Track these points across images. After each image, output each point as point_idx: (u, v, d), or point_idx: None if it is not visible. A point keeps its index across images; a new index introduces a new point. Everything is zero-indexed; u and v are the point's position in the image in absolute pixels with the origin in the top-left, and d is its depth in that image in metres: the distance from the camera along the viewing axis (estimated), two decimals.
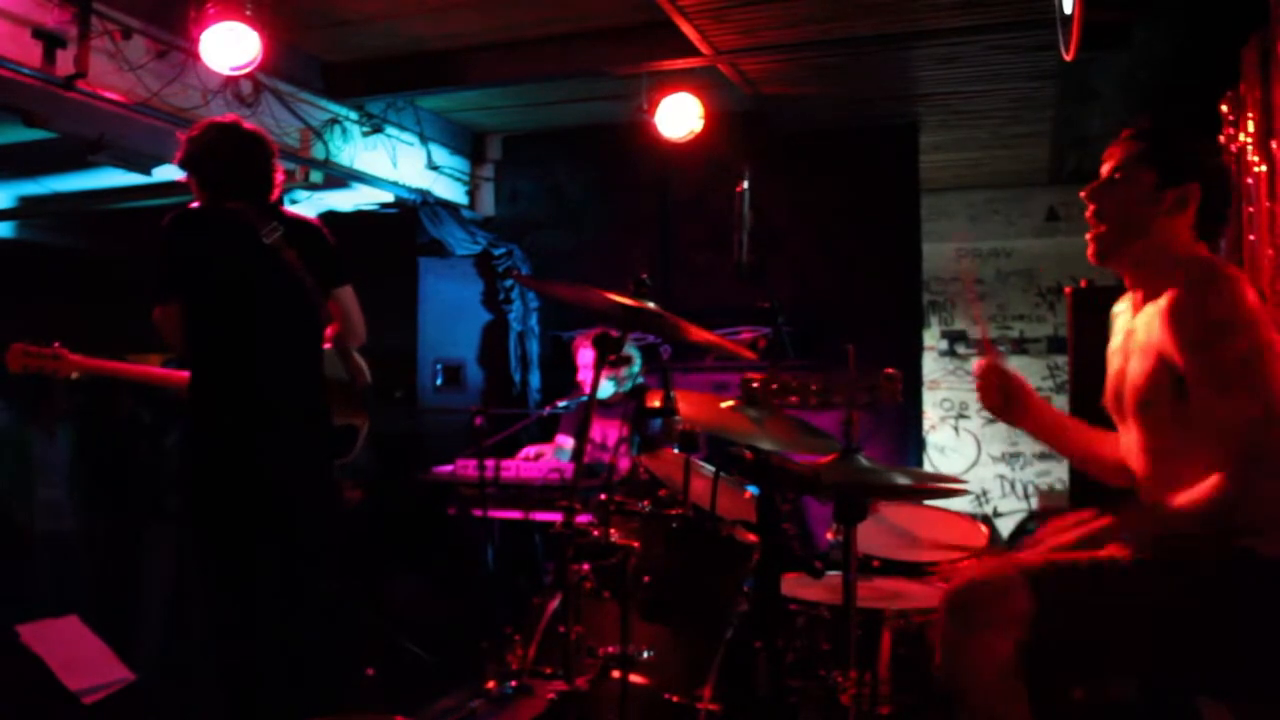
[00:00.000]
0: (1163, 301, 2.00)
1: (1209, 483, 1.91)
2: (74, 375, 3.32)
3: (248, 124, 3.08)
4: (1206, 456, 1.92)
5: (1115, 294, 2.30)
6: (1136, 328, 2.12)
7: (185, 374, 3.08)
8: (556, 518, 4.16)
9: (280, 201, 3.16)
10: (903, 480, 2.15)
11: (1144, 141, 2.11)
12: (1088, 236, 2.17)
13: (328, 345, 3.21)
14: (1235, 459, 1.87)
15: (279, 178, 3.10)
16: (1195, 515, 1.92)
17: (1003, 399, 2.32)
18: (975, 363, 2.36)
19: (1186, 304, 1.94)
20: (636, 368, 4.80)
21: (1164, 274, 2.07)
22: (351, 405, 3.30)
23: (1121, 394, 2.15)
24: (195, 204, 3.02)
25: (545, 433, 5.19)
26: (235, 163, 3.00)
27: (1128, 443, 2.19)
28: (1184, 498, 1.95)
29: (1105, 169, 2.17)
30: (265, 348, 3.00)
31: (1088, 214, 2.17)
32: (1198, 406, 1.93)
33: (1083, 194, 2.18)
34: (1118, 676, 2.05)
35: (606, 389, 4.66)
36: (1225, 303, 1.90)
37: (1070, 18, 2.84)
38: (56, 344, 3.27)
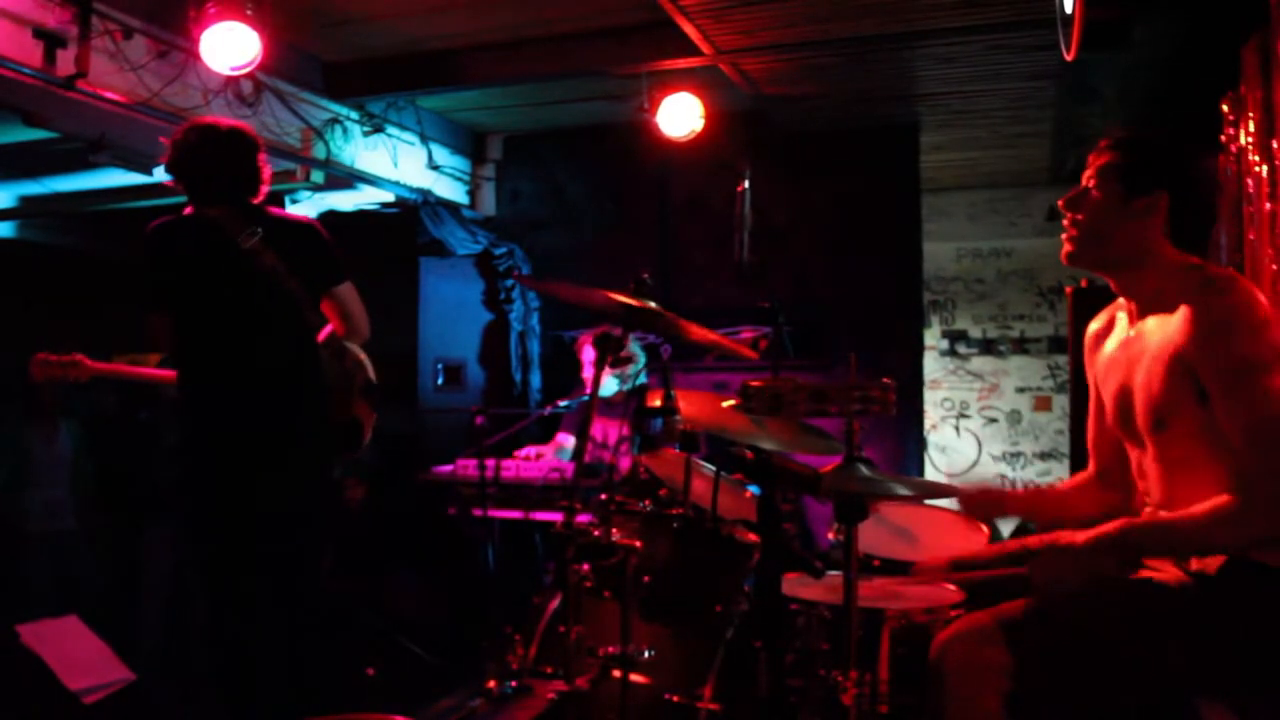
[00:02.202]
0: (1181, 316, 2.00)
1: (1227, 498, 1.90)
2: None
3: (228, 121, 3.08)
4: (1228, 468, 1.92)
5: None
6: (1144, 333, 2.12)
7: None
8: (556, 518, 4.16)
9: (270, 202, 3.16)
10: (904, 490, 2.15)
11: (1115, 152, 2.14)
12: (1062, 238, 2.22)
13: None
14: (1254, 467, 1.87)
15: (267, 173, 3.09)
16: (1207, 528, 1.92)
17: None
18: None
19: (1213, 328, 1.95)
20: (641, 366, 4.80)
21: (1150, 282, 2.10)
22: (352, 402, 3.30)
23: (1131, 410, 2.13)
24: (187, 210, 3.03)
25: (546, 433, 5.19)
26: (216, 164, 3.00)
27: (1141, 463, 2.18)
28: (1198, 511, 1.94)
29: (1083, 178, 2.21)
30: (246, 355, 3.00)
31: (1064, 221, 2.21)
32: (1220, 416, 1.94)
33: (1060, 203, 2.22)
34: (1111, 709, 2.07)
35: (611, 386, 4.68)
36: (1255, 337, 1.93)
37: (1070, 17, 2.84)
38: (75, 353, 3.34)
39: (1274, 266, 2.98)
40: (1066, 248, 2.22)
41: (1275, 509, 1.86)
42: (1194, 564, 2.04)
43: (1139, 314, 2.16)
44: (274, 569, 2.98)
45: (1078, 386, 3.97)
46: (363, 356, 3.37)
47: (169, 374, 3.39)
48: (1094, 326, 2.36)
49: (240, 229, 2.94)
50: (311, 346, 3.13)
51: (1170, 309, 2.04)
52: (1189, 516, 1.95)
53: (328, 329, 3.19)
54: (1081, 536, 2.04)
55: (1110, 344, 2.25)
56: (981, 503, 2.48)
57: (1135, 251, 2.12)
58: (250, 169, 3.04)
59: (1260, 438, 1.88)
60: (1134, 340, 2.15)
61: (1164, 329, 2.05)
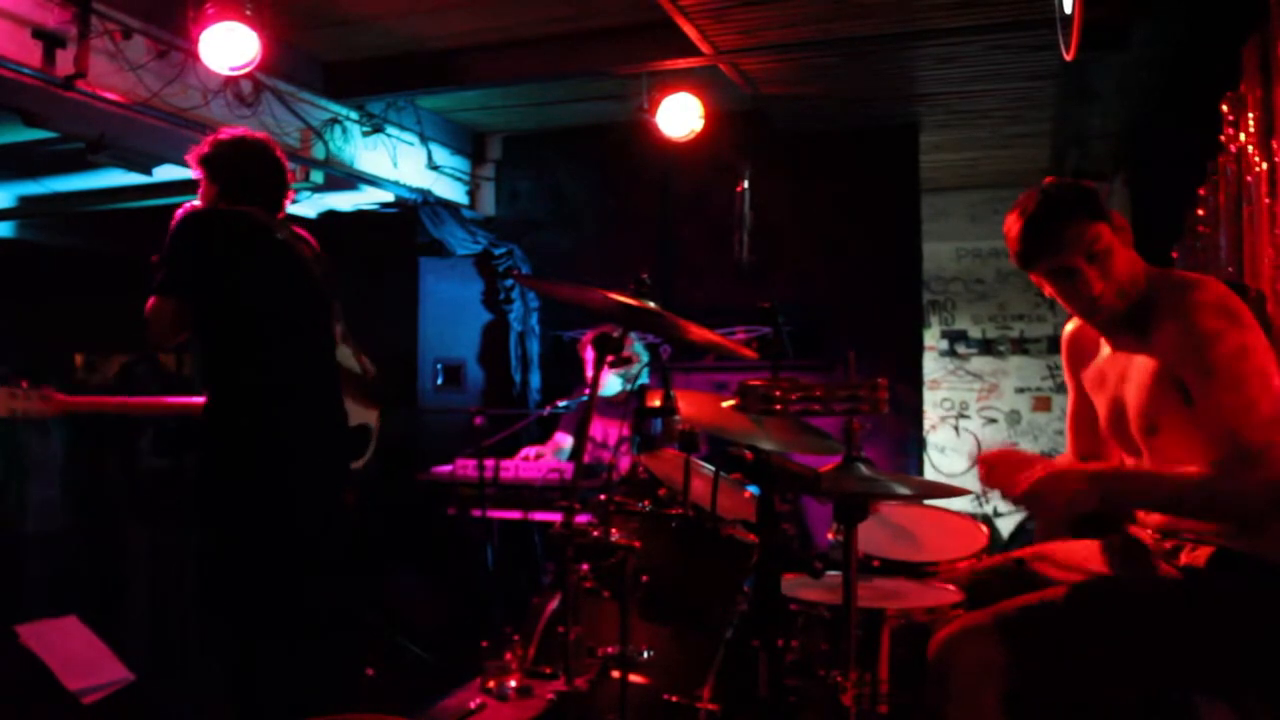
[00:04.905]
0: (1161, 322, 2.03)
1: (1197, 468, 1.94)
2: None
3: (276, 146, 3.12)
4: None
5: None
6: (1128, 347, 2.15)
7: (174, 400, 3.09)
8: (556, 518, 4.16)
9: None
10: (904, 490, 2.15)
11: (1075, 212, 2.08)
12: (1102, 305, 2.11)
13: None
14: (1228, 452, 1.90)
15: (288, 201, 3.14)
16: (1193, 494, 1.94)
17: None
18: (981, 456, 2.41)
19: (1190, 330, 1.98)
20: (644, 364, 4.80)
21: (1134, 300, 2.10)
22: (365, 398, 3.31)
23: (1125, 421, 2.16)
24: (205, 205, 3.02)
25: (545, 433, 5.19)
26: (256, 173, 3.03)
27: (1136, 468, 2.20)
28: (1187, 472, 1.96)
29: (1068, 259, 2.08)
30: (293, 352, 2.99)
31: (1096, 290, 2.08)
32: (1200, 410, 1.96)
33: (1097, 284, 2.08)
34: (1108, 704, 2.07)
35: (613, 385, 4.68)
36: (1227, 334, 1.95)
37: (1070, 17, 2.84)
38: (45, 387, 3.20)
39: (1273, 267, 2.98)
40: (1104, 315, 2.13)
41: (1255, 467, 1.89)
42: (1183, 558, 2.06)
43: (1119, 335, 2.18)
44: (301, 579, 2.96)
45: None
46: (364, 358, 3.38)
47: (150, 401, 3.35)
48: (1071, 327, 2.39)
49: (274, 223, 3.00)
50: (334, 342, 3.16)
51: (1149, 322, 2.07)
52: (1176, 473, 1.99)
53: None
54: (1072, 472, 2.06)
55: (1096, 355, 2.29)
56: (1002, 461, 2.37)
57: (1133, 274, 2.11)
58: (281, 192, 3.10)
59: (1237, 415, 1.91)
60: (1118, 354, 2.19)
61: (1146, 338, 2.08)
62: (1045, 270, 2.12)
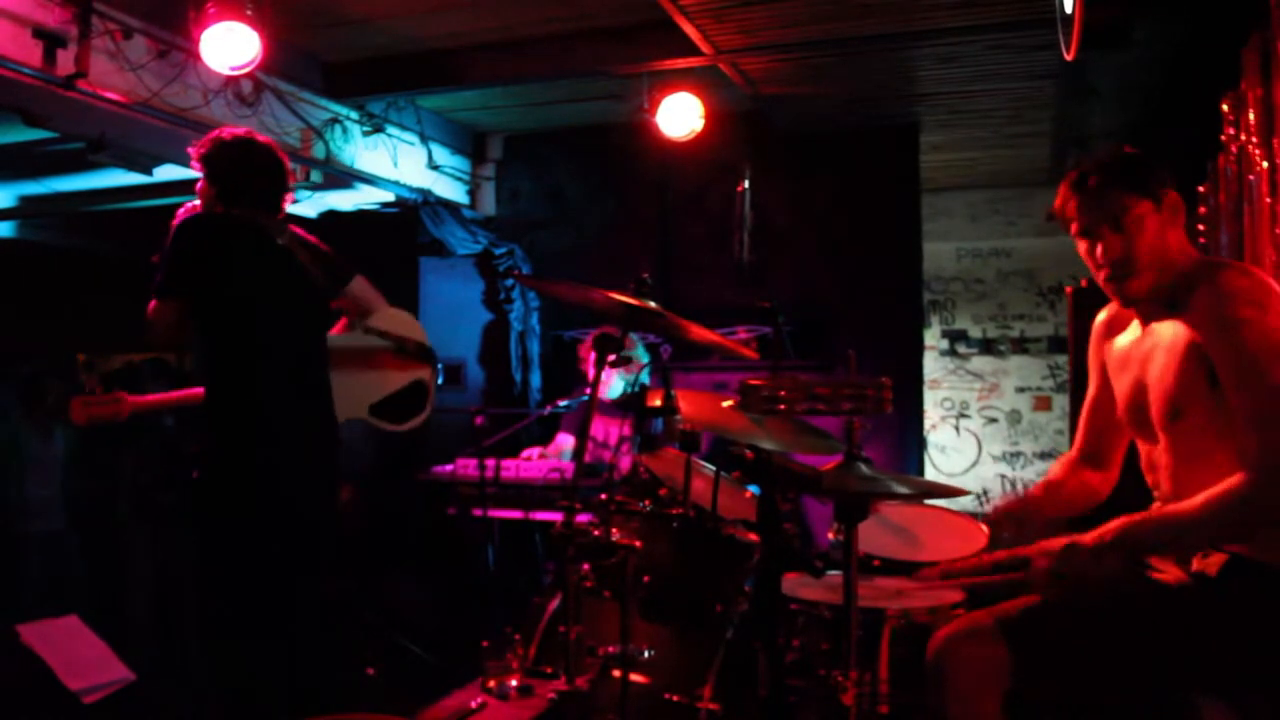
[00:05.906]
0: (1193, 306, 2.01)
1: (1231, 481, 1.89)
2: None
3: (279, 149, 3.13)
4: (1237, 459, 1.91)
5: None
6: (1156, 330, 2.12)
7: None
8: (556, 517, 4.16)
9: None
10: (904, 489, 2.14)
11: (1115, 177, 2.10)
12: (1106, 283, 2.14)
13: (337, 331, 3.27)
14: (1258, 446, 1.85)
15: (288, 202, 3.15)
16: (1215, 518, 1.90)
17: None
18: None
19: (1225, 315, 1.95)
20: (646, 364, 4.79)
21: (1165, 281, 2.08)
22: (408, 361, 3.36)
23: (1145, 405, 2.14)
24: (203, 207, 3.03)
25: (546, 432, 5.19)
26: (255, 178, 3.03)
27: (1151, 457, 2.18)
28: (1199, 500, 1.93)
29: (1092, 223, 2.12)
30: (300, 350, 3.02)
31: (1112, 256, 2.10)
32: (1231, 401, 1.93)
33: (1115, 252, 2.10)
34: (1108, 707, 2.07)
35: (617, 387, 4.66)
36: (1265, 323, 1.92)
37: (1071, 17, 2.84)
38: (118, 390, 3.26)
39: (1274, 266, 2.98)
40: (1118, 285, 2.13)
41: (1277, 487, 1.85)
42: (1195, 564, 2.05)
43: (1152, 314, 2.16)
44: (296, 580, 2.96)
45: (1077, 386, 3.97)
46: (407, 322, 3.42)
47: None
48: (1104, 315, 2.38)
49: (273, 228, 3.02)
50: (327, 344, 3.19)
51: (1183, 301, 2.04)
52: (1190, 505, 1.95)
53: (342, 322, 3.28)
54: (1087, 538, 2.04)
55: (1123, 339, 2.26)
56: (1013, 516, 2.46)
57: (1172, 256, 2.10)
58: (280, 197, 3.11)
59: (1267, 418, 1.87)
60: (1146, 337, 2.16)
61: (1177, 321, 2.05)
62: (1075, 230, 2.18)
